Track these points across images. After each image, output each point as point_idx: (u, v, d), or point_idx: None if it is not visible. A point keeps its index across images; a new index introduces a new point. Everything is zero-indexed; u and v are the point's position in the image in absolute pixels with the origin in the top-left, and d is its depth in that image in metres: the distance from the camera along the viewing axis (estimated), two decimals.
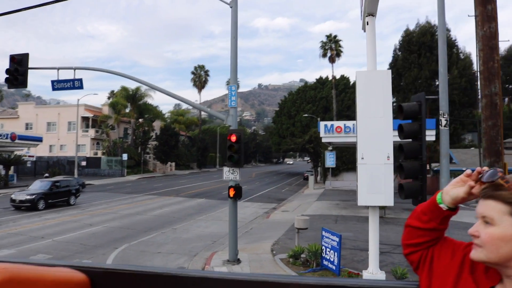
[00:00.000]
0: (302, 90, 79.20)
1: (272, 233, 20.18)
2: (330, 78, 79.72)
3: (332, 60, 65.73)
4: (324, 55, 66.34)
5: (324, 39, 66.04)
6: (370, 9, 12.42)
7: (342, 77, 79.27)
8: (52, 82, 17.32)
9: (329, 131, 26.96)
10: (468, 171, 1.51)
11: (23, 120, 63.97)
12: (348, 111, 73.38)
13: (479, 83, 6.84)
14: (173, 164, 71.57)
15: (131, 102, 62.32)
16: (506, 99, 56.54)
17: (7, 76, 16.37)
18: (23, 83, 16.57)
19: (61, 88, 17.21)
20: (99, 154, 60.59)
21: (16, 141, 40.18)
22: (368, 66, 13.38)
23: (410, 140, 7.53)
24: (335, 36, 66.29)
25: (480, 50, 7.47)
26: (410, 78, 45.49)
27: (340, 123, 27.43)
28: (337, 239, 12.48)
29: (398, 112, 7.72)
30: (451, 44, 46.46)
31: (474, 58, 47.57)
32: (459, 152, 40.51)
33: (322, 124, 27.54)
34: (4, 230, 19.32)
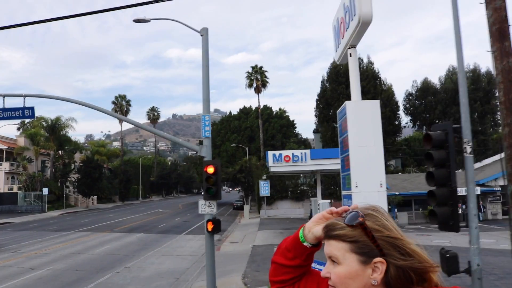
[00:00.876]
0: (226, 120, 79.51)
1: (233, 266, 19.56)
2: (254, 107, 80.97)
3: (258, 90, 66.76)
4: (250, 86, 67.29)
5: (250, 70, 67.19)
6: (354, 42, 12.75)
7: (265, 107, 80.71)
8: None
9: (278, 160, 27.14)
10: (332, 209, 1.55)
11: None
12: (273, 140, 74.65)
13: (500, 113, 7.11)
14: (95, 197, 68.27)
15: (50, 133, 58.76)
16: None
17: None
18: None
19: (8, 118, 15.73)
20: (15, 189, 56.19)
21: None
22: (352, 96, 13.64)
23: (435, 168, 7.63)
24: (261, 67, 67.58)
25: (500, 83, 7.78)
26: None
27: (288, 153, 27.75)
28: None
29: (425, 140, 7.81)
30: (375, 76, 49.11)
31: (394, 89, 50.55)
32: (389, 177, 42.29)
33: (270, 153, 27.69)
34: None
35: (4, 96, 15.64)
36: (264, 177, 45.72)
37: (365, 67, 49.08)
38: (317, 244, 1.60)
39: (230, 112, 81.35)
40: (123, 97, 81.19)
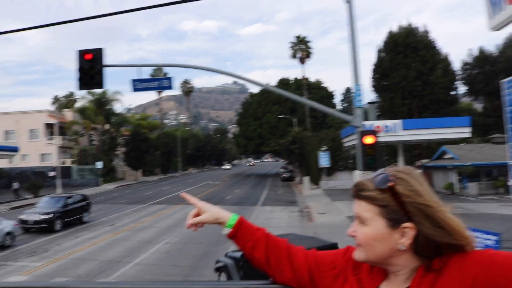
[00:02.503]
0: (266, 91, 78.34)
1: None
2: (292, 78, 79.96)
3: (302, 61, 65.51)
4: (294, 56, 65.99)
5: (294, 40, 65.76)
6: None
7: (303, 78, 79.48)
8: (133, 81, 15.28)
9: None
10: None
11: None
12: (314, 111, 73.59)
13: None
14: (140, 170, 68.48)
15: (97, 107, 58.56)
16: None
17: (80, 75, 14.09)
18: (99, 83, 14.36)
19: (144, 89, 15.20)
20: (67, 163, 56.41)
21: None
22: None
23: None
24: (305, 37, 66.13)
25: None
26: (397, 78, 45.90)
27: (380, 123, 27.03)
28: (495, 238, 11.69)
29: None
30: (433, 45, 47.56)
31: (451, 57, 48.95)
32: (454, 148, 41.27)
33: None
34: (59, 257, 16.81)
35: (141, 66, 15.08)
36: (324, 148, 45.09)
37: (421, 36, 47.52)
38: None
39: (268, 84, 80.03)
40: (160, 69, 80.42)
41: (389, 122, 26.79)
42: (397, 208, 1.30)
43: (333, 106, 79.43)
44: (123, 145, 64.29)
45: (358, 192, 1.38)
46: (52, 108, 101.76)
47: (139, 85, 14.97)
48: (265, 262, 1.64)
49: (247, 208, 31.02)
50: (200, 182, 60.24)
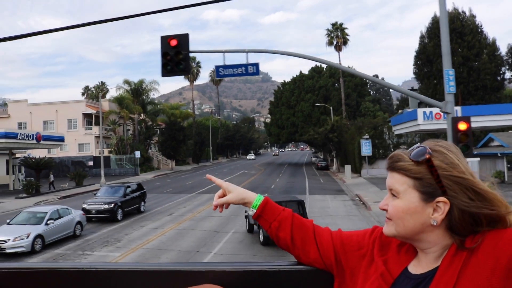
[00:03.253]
0: (298, 79, 77.62)
1: None
2: (325, 66, 78.87)
3: (338, 48, 64.45)
4: (330, 43, 64.94)
5: (330, 27, 64.73)
6: None
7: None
8: (217, 67, 14.95)
9: (428, 118, 25.79)
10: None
11: (15, 119, 59.05)
12: (348, 99, 72.65)
13: None
14: (173, 160, 68.67)
15: (134, 97, 58.66)
16: None
17: (164, 62, 13.82)
18: (185, 70, 14.07)
19: (229, 75, 14.86)
20: (106, 153, 56.81)
21: (41, 142, 36.53)
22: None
23: None
24: (341, 24, 64.99)
25: None
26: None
27: (438, 110, 26.22)
28: None
29: None
30: (479, 30, 46.21)
31: (499, 43, 47.45)
32: (502, 135, 40.12)
33: (420, 111, 26.35)
34: (135, 248, 16.69)
35: (224, 52, 14.72)
36: (366, 136, 44.37)
37: (467, 21, 46.18)
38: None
39: (300, 72, 79.29)
40: (192, 59, 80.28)
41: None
42: (432, 181, 1.25)
43: (367, 93, 78.27)
44: (158, 135, 64.41)
45: (393, 164, 1.33)
46: (82, 98, 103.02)
47: (223, 71, 14.63)
48: (291, 242, 1.62)
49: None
50: (236, 171, 60.07)
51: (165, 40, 13.90)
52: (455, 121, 13.39)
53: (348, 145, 51.53)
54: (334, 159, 58.92)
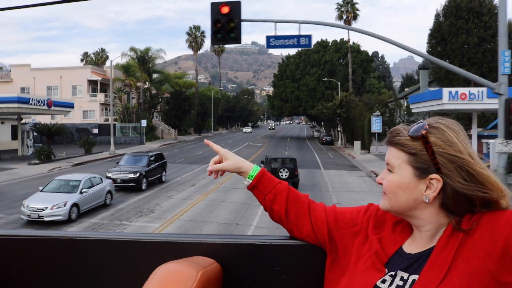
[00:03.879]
0: (304, 53, 76.71)
1: None
2: (330, 40, 78.06)
3: (348, 22, 63.46)
4: (340, 18, 64.01)
5: (340, 1, 63.63)
6: None
7: (342, 41, 77.39)
8: (268, 38, 14.55)
9: (454, 97, 25.53)
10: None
11: (18, 84, 57.97)
12: (353, 75, 72.07)
13: None
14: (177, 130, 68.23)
15: (140, 64, 57.70)
16: None
17: (215, 29, 13.38)
18: (236, 39, 13.65)
19: (280, 46, 14.46)
20: (110, 121, 56.19)
21: (52, 107, 35.85)
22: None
23: None
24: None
25: None
26: (457, 44, 44.26)
27: (465, 90, 26.02)
28: None
29: None
30: (496, 10, 45.58)
31: None
32: None
33: (446, 90, 26.06)
34: (172, 219, 16.48)
35: (276, 22, 14.25)
36: (377, 113, 44.13)
37: (485, 0, 45.51)
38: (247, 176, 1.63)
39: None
40: (197, 28, 79.02)
41: (474, 90, 25.69)
42: (426, 157, 1.23)
43: (372, 70, 77.65)
44: (162, 104, 63.71)
45: (391, 138, 1.31)
46: (82, 64, 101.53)
47: (274, 41, 14.21)
48: (285, 215, 1.59)
49: (313, 171, 30.57)
50: (240, 143, 59.82)
51: (216, 6, 13.44)
52: (508, 102, 13.18)
53: (357, 121, 51.30)
54: (341, 134, 58.67)
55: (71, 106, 39.22)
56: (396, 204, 1.29)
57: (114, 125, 54.27)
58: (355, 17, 63.97)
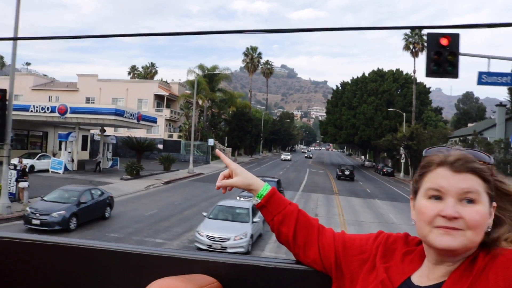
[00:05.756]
0: (361, 81, 75.98)
1: None
2: (386, 70, 77.24)
3: (415, 54, 62.68)
4: (407, 48, 63.22)
5: (408, 32, 62.87)
6: None
7: (398, 71, 76.50)
8: (480, 73, 13.57)
9: None
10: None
11: (83, 94, 58.20)
12: (410, 106, 70.88)
13: None
14: (230, 150, 67.59)
15: (207, 82, 57.43)
16: None
17: (433, 61, 12.49)
18: (454, 73, 12.72)
19: (492, 83, 13.49)
20: (174, 137, 55.81)
21: (140, 121, 35.54)
22: None
23: None
24: (420, 30, 62.99)
25: None
26: None
27: None
28: None
29: None
30: None
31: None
32: None
33: None
34: None
35: (489, 58, 13.34)
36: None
37: None
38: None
39: (364, 73, 77.59)
40: (254, 49, 79.08)
41: None
42: (492, 184, 1.19)
43: (429, 102, 76.33)
44: (222, 124, 63.22)
45: (467, 164, 1.18)
46: (128, 77, 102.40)
47: (486, 78, 13.27)
48: (292, 239, 1.55)
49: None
50: (300, 168, 58.81)
51: (435, 37, 12.59)
52: None
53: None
54: (409, 167, 57.07)
55: (154, 121, 38.91)
56: (480, 237, 1.16)
57: (179, 142, 53.97)
58: (422, 49, 62.97)
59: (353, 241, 1.47)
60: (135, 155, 51.04)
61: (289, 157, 79.87)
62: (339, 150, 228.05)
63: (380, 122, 71.07)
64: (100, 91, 58.21)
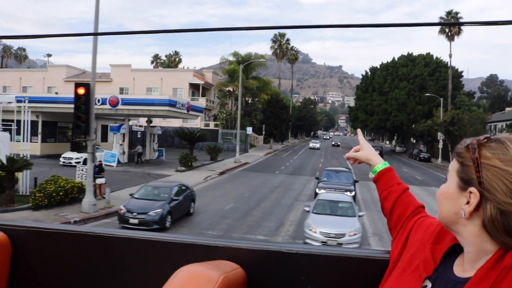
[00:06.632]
0: (391, 66, 74.62)
1: None
2: (415, 54, 75.86)
3: (451, 37, 61.29)
4: (443, 32, 61.79)
5: (443, 15, 61.45)
6: None
7: (428, 55, 75.03)
8: None
9: None
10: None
11: (117, 84, 57.88)
12: (443, 91, 69.55)
13: None
14: (261, 137, 67.09)
15: (243, 70, 56.74)
16: None
17: None
18: None
19: None
20: (211, 126, 55.42)
21: (190, 111, 35.17)
22: None
23: None
24: (457, 13, 61.61)
25: None
26: None
27: None
28: None
29: None
30: None
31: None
32: None
33: None
34: None
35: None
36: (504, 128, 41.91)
37: None
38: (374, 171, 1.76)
39: (394, 58, 76.24)
40: (282, 35, 78.11)
41: None
42: (471, 169, 1.12)
43: (461, 86, 74.88)
44: (257, 111, 62.75)
45: (455, 149, 1.25)
46: (152, 66, 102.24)
47: None
48: (389, 214, 1.63)
49: None
50: (337, 155, 58.26)
51: None
52: None
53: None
54: (449, 153, 56.11)
55: (201, 111, 38.54)
56: (441, 214, 1.22)
57: (216, 130, 53.62)
58: (458, 32, 61.61)
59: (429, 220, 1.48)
60: (176, 145, 51.02)
61: (318, 145, 73.57)
62: (365, 136, 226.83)
63: (413, 107, 70.00)
64: (134, 81, 57.86)
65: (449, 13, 61.92)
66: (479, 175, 1.10)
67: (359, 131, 2.01)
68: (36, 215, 16.26)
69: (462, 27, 61.49)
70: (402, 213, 1.58)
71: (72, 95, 37.69)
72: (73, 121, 17.00)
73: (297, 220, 17.86)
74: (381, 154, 55.63)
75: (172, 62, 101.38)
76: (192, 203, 18.24)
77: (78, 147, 18.96)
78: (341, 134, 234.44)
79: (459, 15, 62.09)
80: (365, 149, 1.79)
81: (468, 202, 1.12)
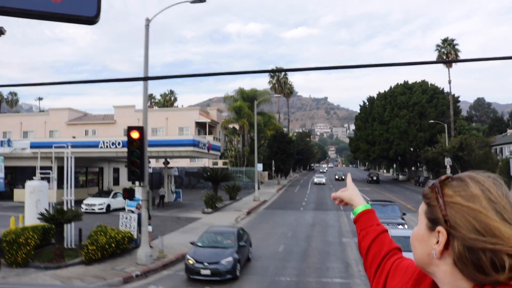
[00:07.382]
0: (389, 95, 75.29)
1: None
2: (409, 82, 76.78)
3: (448, 64, 62.27)
4: (440, 59, 62.78)
5: (440, 43, 62.53)
6: None
7: (424, 82, 75.98)
8: None
9: None
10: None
11: (121, 126, 57.13)
12: (442, 117, 70.18)
13: None
14: (266, 173, 66.57)
15: (248, 107, 56.72)
16: None
17: None
18: None
19: None
20: (219, 164, 54.85)
21: (210, 151, 34.71)
22: None
23: None
24: (453, 40, 62.82)
25: None
26: None
27: None
28: None
29: None
30: None
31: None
32: None
33: None
34: None
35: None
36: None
37: None
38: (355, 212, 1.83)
39: (391, 87, 77.07)
40: (280, 69, 78.63)
41: None
42: (437, 209, 1.15)
43: (459, 111, 75.69)
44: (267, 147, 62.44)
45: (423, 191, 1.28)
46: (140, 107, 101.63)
47: None
48: (365, 253, 1.66)
49: None
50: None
51: None
52: None
53: (481, 163, 49.08)
54: None
55: (219, 149, 38.08)
56: (416, 257, 1.23)
57: (226, 169, 52.95)
58: (456, 58, 62.64)
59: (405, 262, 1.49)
60: (185, 185, 50.16)
61: (323, 180, 67.21)
62: (350, 166, 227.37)
63: (414, 135, 70.43)
64: (138, 122, 57.17)
65: (445, 40, 63.13)
66: (444, 213, 1.12)
67: (349, 175, 2.07)
68: (93, 271, 15.43)
69: (460, 53, 62.68)
70: (378, 253, 1.59)
71: (87, 139, 37.12)
72: (127, 166, 16.41)
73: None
74: (377, 180, 58.65)
75: (167, 101, 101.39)
76: (250, 247, 17.59)
77: (131, 195, 18.15)
78: (332, 165, 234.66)
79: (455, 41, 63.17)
80: (350, 189, 1.86)
81: (437, 242, 1.12)
